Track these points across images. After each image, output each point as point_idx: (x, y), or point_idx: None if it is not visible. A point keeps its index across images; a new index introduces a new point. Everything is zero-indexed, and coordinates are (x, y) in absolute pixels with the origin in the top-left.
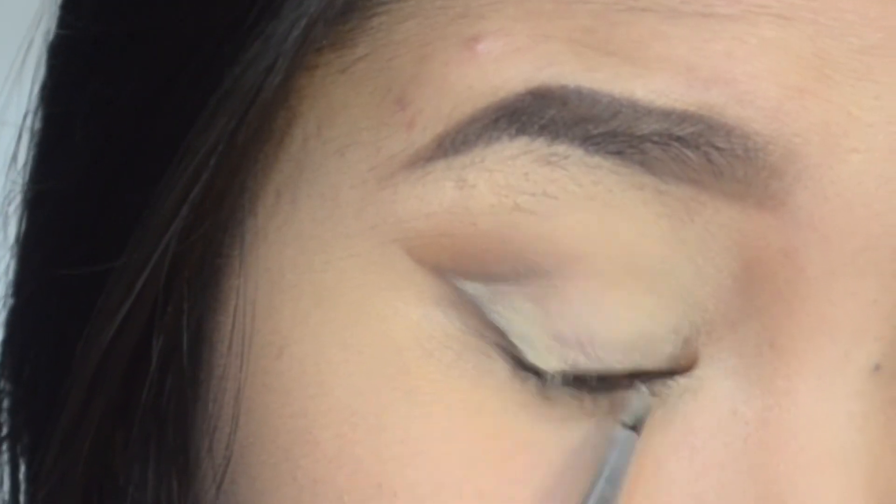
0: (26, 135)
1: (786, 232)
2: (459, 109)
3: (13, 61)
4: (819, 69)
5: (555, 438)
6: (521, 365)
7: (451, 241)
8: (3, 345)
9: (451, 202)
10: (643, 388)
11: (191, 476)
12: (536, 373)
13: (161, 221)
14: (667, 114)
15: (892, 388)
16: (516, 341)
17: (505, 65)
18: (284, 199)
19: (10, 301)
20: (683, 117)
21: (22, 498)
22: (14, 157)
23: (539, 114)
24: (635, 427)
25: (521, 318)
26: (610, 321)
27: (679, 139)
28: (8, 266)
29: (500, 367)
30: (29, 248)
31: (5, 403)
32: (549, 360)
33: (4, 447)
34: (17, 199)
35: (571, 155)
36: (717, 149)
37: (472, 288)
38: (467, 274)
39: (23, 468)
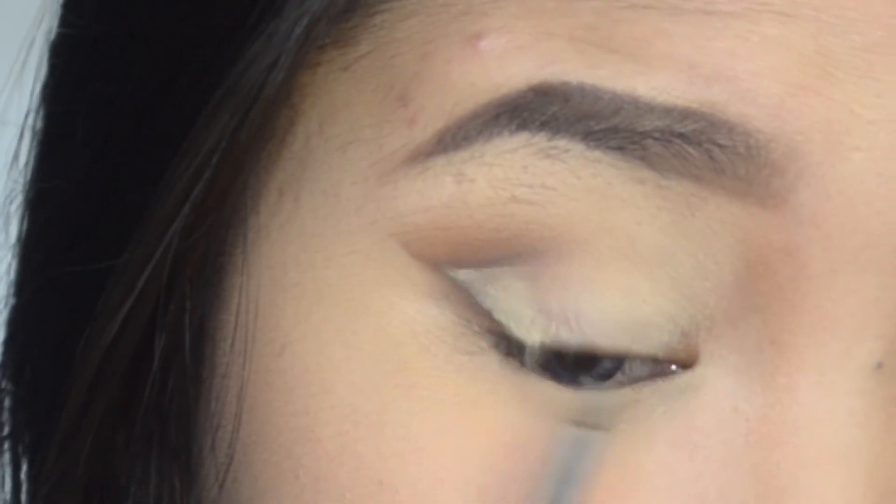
0: (28, 134)
1: (787, 229)
2: (461, 106)
3: (14, 60)
4: (821, 67)
5: (547, 434)
6: (507, 347)
7: (447, 234)
8: (5, 344)
9: (450, 196)
10: (603, 391)
11: (193, 475)
12: (520, 351)
13: (163, 219)
14: (668, 111)
15: (894, 385)
16: (502, 317)
17: (507, 62)
18: (287, 197)
19: (12, 300)
20: (685, 114)
21: (23, 497)
22: (15, 157)
23: (541, 110)
24: (593, 425)
25: (509, 295)
26: (600, 300)
27: (681, 136)
28: (9, 265)
29: (491, 359)
30: (30, 248)
31: (7, 402)
32: (532, 332)
33: (6, 446)
34: (19, 199)
35: (572, 149)
36: (719, 146)
37: (465, 274)
38: (461, 263)
39: (24, 467)
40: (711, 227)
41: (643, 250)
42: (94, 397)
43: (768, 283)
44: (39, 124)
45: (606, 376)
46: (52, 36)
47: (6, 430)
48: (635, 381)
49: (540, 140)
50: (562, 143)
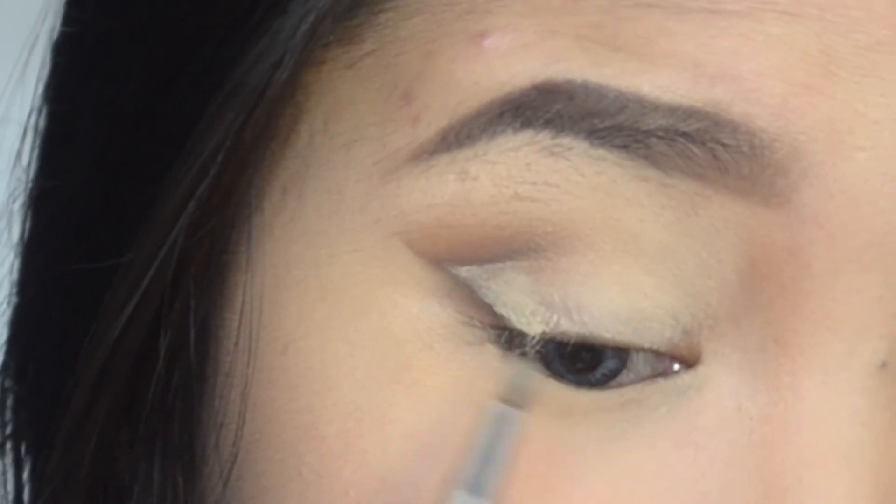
0: (31, 133)
1: (791, 229)
2: (465, 104)
3: (17, 59)
4: (825, 66)
5: (549, 434)
6: (508, 338)
7: (451, 231)
8: (8, 343)
9: (453, 195)
10: (526, 368)
11: (197, 473)
12: (521, 342)
13: (168, 218)
14: (673, 109)
15: None
16: (503, 310)
17: (512, 60)
18: (291, 195)
19: (15, 299)
20: (689, 113)
21: (26, 497)
22: (18, 156)
23: (545, 108)
24: (516, 403)
25: (511, 288)
26: (601, 293)
27: (684, 135)
28: (12, 264)
29: (494, 357)
30: (33, 247)
31: (9, 402)
32: (533, 323)
33: (8, 446)
34: (22, 198)
35: (575, 147)
36: (723, 145)
37: (467, 271)
38: (463, 260)
39: (27, 468)
40: (715, 225)
41: (646, 247)
42: (98, 396)
43: (772, 282)
44: (42, 123)
45: (610, 376)
46: (56, 34)
47: (9, 430)
48: (638, 380)
49: (544, 138)
50: (565, 140)
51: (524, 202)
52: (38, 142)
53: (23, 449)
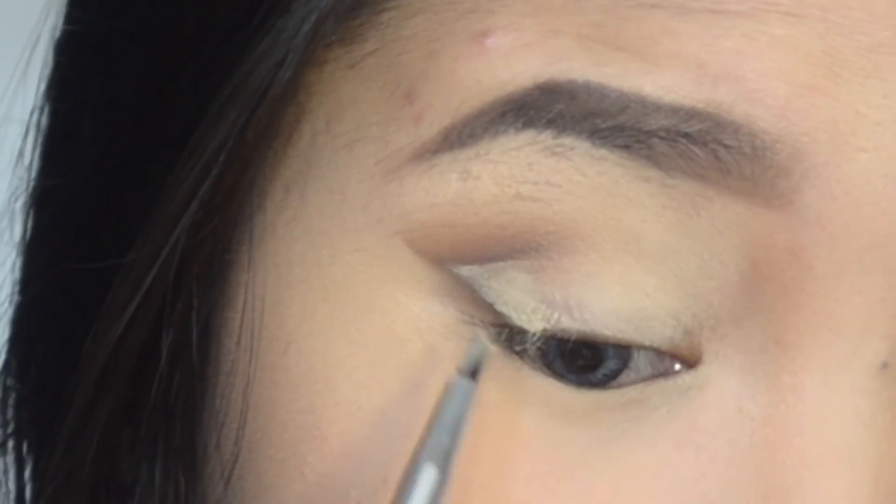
0: (33, 131)
1: (793, 230)
2: (467, 104)
3: (19, 58)
4: (828, 67)
5: (553, 434)
6: (509, 336)
7: (452, 230)
8: (10, 342)
9: (455, 194)
10: (481, 338)
11: (198, 473)
12: (521, 339)
13: (170, 217)
14: (675, 110)
15: None
16: (504, 308)
17: (514, 60)
18: (293, 195)
19: (17, 298)
20: (691, 114)
21: (27, 497)
22: (20, 154)
23: (547, 108)
24: (473, 374)
25: (512, 287)
26: (602, 292)
27: (686, 136)
28: (14, 263)
29: (494, 357)
30: (35, 246)
31: (11, 401)
32: (534, 320)
33: (10, 445)
34: (24, 196)
35: (577, 147)
36: (725, 146)
37: (468, 270)
38: (465, 259)
39: (28, 467)
40: (717, 226)
41: (648, 247)
42: (101, 395)
43: (774, 283)
44: (44, 122)
45: (611, 376)
46: (58, 33)
47: (11, 429)
48: (639, 380)
49: (546, 138)
50: (567, 140)
51: (526, 202)
52: (40, 140)
53: (24, 448)
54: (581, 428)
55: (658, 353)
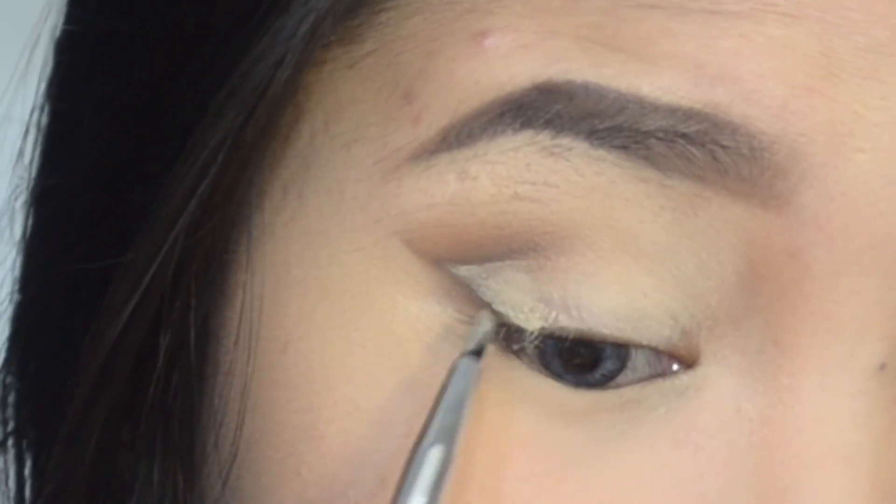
0: (33, 131)
1: (790, 231)
2: (465, 104)
3: (19, 57)
4: (825, 68)
5: (551, 434)
6: (507, 334)
7: (450, 231)
8: (10, 340)
9: (453, 194)
10: (486, 315)
11: (196, 472)
12: (519, 337)
13: (169, 217)
14: (673, 111)
15: None
16: (501, 308)
17: (512, 60)
18: (291, 195)
19: (17, 297)
20: (689, 115)
21: (27, 494)
22: (20, 153)
23: (545, 108)
24: (478, 353)
25: (510, 287)
26: (600, 291)
27: (684, 136)
28: (14, 262)
29: (493, 356)
30: (35, 244)
31: (11, 399)
32: (531, 319)
33: (10, 443)
34: (24, 195)
35: (575, 147)
36: (722, 147)
37: (466, 270)
38: (463, 259)
39: (28, 464)
40: (715, 227)
41: (646, 247)
42: (99, 394)
43: (771, 284)
44: (44, 121)
45: (609, 377)
46: (58, 33)
47: (10, 427)
48: (637, 380)
49: (544, 138)
50: (565, 141)
51: (524, 202)
52: (40, 139)
53: (24, 446)
54: (579, 428)
55: (656, 353)
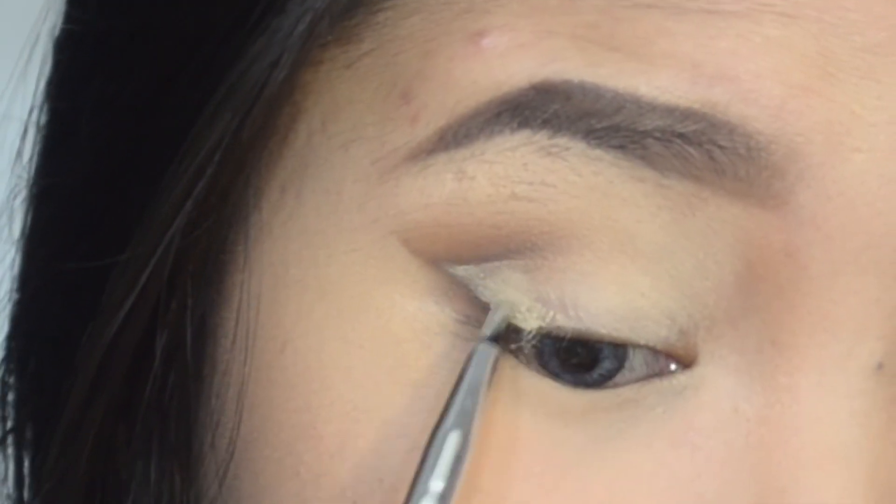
0: (32, 130)
1: (788, 231)
2: (463, 104)
3: (19, 56)
4: (822, 67)
5: (550, 434)
6: (504, 336)
7: (448, 230)
8: (8, 339)
9: (451, 194)
10: (502, 304)
11: (193, 471)
12: (516, 339)
13: (165, 216)
14: (670, 110)
15: (895, 386)
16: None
17: (509, 60)
18: (289, 195)
19: (16, 295)
20: (686, 114)
21: (26, 492)
22: (19, 153)
23: (542, 108)
24: (496, 339)
25: (507, 286)
26: (598, 291)
27: (681, 136)
28: (13, 261)
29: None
30: (34, 243)
31: (10, 397)
32: (529, 318)
33: (9, 441)
34: (23, 194)
35: (573, 147)
36: (720, 147)
37: (464, 270)
38: (460, 259)
39: (27, 462)
40: (712, 226)
41: (643, 247)
42: (96, 394)
43: (769, 284)
44: (43, 120)
45: (607, 377)
46: (57, 32)
47: (9, 425)
48: (634, 380)
49: (541, 138)
50: (563, 141)
51: (521, 202)
52: (39, 139)
53: (23, 444)
54: (578, 428)
55: (653, 353)
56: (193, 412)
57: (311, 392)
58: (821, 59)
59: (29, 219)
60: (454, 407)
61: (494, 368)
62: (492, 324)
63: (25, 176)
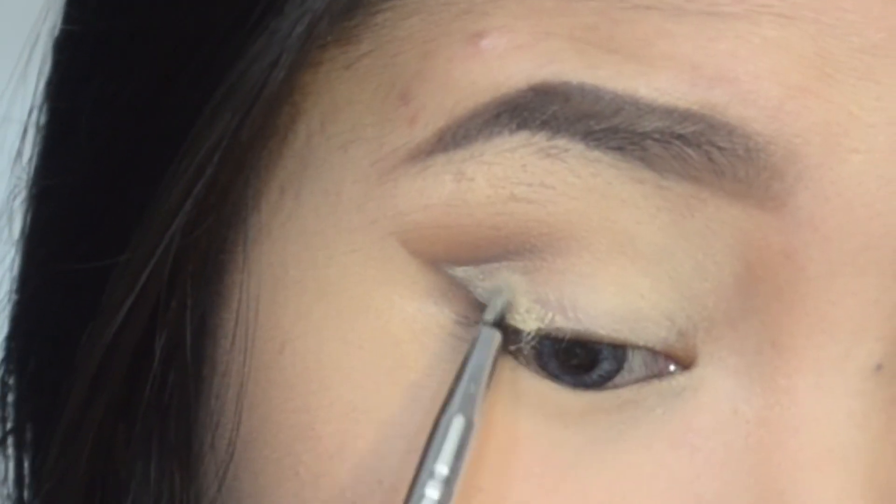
0: (31, 130)
1: (786, 232)
2: (462, 105)
3: (18, 57)
4: (820, 68)
5: (549, 435)
6: (503, 335)
7: (447, 231)
8: (8, 339)
9: (450, 195)
10: (503, 290)
11: (193, 472)
12: (515, 340)
13: (165, 217)
14: (669, 112)
15: (893, 387)
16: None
17: (508, 61)
18: (288, 195)
19: (15, 296)
20: (685, 116)
21: (26, 492)
22: (19, 153)
23: (541, 109)
24: (498, 324)
25: (506, 288)
26: (597, 292)
27: (680, 137)
28: (13, 261)
29: None
30: (34, 244)
31: (10, 397)
32: (528, 320)
33: (9, 441)
34: (23, 195)
35: (571, 148)
36: (719, 148)
37: (463, 271)
38: (460, 260)
39: (27, 462)
40: (711, 228)
41: (642, 249)
42: (96, 394)
43: (768, 285)
44: (43, 121)
45: (606, 378)
46: (56, 33)
47: (9, 425)
48: (634, 381)
49: (540, 139)
50: (561, 142)
51: (520, 203)
52: (38, 139)
53: (23, 444)
54: (577, 429)
55: (653, 354)
56: (193, 412)
57: (309, 393)
58: (819, 59)
59: (29, 219)
60: (458, 392)
61: (498, 352)
62: (494, 309)
63: (25, 176)
